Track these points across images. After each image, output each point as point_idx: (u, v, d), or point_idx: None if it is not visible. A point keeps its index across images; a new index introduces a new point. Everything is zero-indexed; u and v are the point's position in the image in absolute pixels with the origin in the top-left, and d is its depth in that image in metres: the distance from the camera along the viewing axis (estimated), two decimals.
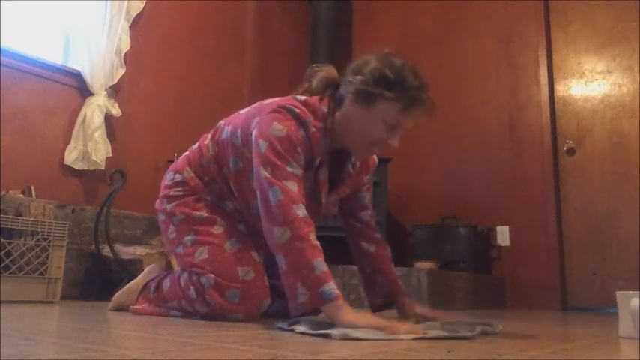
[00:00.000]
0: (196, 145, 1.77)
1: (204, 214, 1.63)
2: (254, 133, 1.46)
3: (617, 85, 3.62)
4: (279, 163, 1.38)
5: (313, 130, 1.45)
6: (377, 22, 4.60)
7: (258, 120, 1.47)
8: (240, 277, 1.50)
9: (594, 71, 3.71)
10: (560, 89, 3.81)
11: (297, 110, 1.44)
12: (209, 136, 1.73)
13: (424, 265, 3.11)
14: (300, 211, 1.32)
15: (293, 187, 1.36)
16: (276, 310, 1.72)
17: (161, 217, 1.73)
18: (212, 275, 1.51)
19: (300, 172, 1.40)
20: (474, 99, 4.03)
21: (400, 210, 4.12)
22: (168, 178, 1.75)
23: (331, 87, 1.53)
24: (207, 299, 1.51)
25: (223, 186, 1.66)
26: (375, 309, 1.72)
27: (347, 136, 1.49)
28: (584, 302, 3.48)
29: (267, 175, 1.37)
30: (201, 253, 1.56)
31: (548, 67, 3.81)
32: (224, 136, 1.63)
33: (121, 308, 1.81)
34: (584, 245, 3.54)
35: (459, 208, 3.89)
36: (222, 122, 1.71)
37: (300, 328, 1.20)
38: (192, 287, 1.55)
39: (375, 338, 1.08)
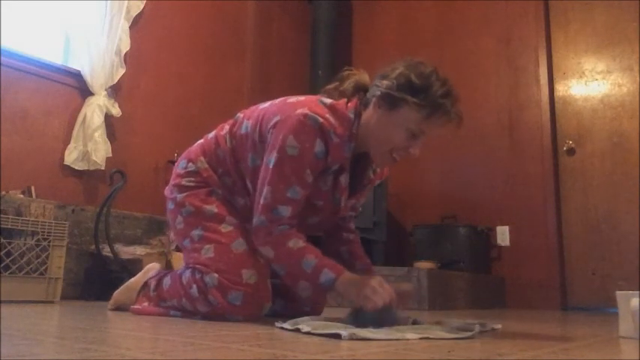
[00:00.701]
0: (212, 134, 1.73)
1: (214, 209, 1.61)
2: (273, 133, 1.46)
3: (617, 85, 3.62)
4: (281, 186, 1.43)
5: (336, 140, 1.45)
6: (377, 22, 4.60)
7: (278, 121, 1.46)
8: (244, 280, 1.50)
9: (594, 71, 3.71)
10: (560, 89, 3.81)
11: (321, 120, 1.42)
12: (227, 127, 1.69)
13: (424, 265, 3.11)
14: (276, 230, 1.44)
15: (285, 212, 1.44)
16: (276, 310, 1.72)
17: (170, 206, 1.71)
18: (216, 275, 1.51)
19: (301, 194, 1.45)
20: (474, 99, 4.03)
21: (400, 210, 4.12)
22: (181, 165, 1.72)
23: (360, 91, 1.52)
24: (210, 299, 1.51)
25: (238, 180, 1.64)
26: None
27: (369, 142, 1.48)
28: (584, 302, 3.48)
29: (263, 200, 1.45)
30: (208, 251, 1.56)
31: (548, 67, 3.81)
32: (243, 130, 1.61)
33: (120, 307, 1.80)
34: (584, 245, 3.54)
35: (459, 208, 3.89)
36: (241, 114, 1.68)
37: (305, 328, 1.20)
38: (194, 285, 1.54)
39: (383, 338, 1.09)
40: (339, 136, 1.45)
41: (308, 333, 1.17)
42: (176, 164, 1.77)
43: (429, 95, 1.37)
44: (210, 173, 1.66)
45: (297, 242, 1.43)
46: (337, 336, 1.09)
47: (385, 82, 1.42)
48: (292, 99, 1.54)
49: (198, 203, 1.63)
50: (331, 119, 1.45)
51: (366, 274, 1.66)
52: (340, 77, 1.57)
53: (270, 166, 1.44)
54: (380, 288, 1.31)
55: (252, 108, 1.66)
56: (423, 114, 1.39)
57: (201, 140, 1.76)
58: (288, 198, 1.43)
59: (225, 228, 1.58)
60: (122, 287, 1.84)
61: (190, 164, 1.70)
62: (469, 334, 1.18)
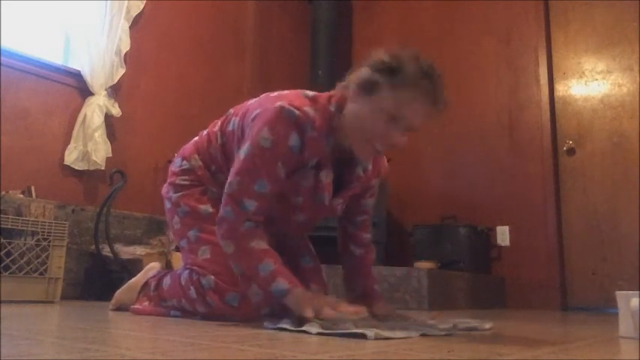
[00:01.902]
0: (205, 132, 1.72)
1: (209, 208, 1.60)
2: (251, 125, 1.44)
3: (617, 85, 3.62)
4: (248, 180, 1.38)
5: (314, 134, 1.39)
6: (377, 22, 4.60)
7: (257, 114, 1.44)
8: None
9: (594, 71, 3.71)
10: (560, 89, 3.81)
11: (297, 113, 1.37)
12: (219, 123, 1.68)
13: (424, 265, 3.11)
14: (242, 226, 1.38)
15: (250, 206, 1.38)
16: (276, 310, 1.72)
17: (167, 205, 1.71)
18: (212, 277, 1.51)
19: (268, 188, 1.39)
20: (474, 99, 4.02)
21: (400, 210, 4.12)
22: (176, 164, 1.72)
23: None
24: (208, 300, 1.51)
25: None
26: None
27: (349, 133, 1.40)
28: (584, 302, 3.48)
29: (230, 191, 1.40)
30: (204, 252, 1.56)
31: (548, 67, 3.80)
32: (230, 127, 1.60)
33: (122, 307, 1.80)
34: (584, 245, 3.53)
35: (459, 208, 3.89)
36: (232, 110, 1.66)
37: (313, 329, 1.18)
38: (192, 287, 1.54)
39: (399, 337, 1.13)
40: (316, 129, 1.39)
41: (319, 334, 1.15)
42: (172, 162, 1.77)
43: (405, 75, 1.30)
44: (204, 171, 1.66)
45: (260, 243, 1.38)
46: (361, 335, 1.09)
47: (362, 69, 1.37)
48: (275, 93, 1.50)
49: (193, 203, 1.63)
50: (310, 112, 1.39)
51: (364, 297, 1.66)
52: (345, 79, 1.51)
53: (242, 157, 1.40)
54: (324, 308, 1.27)
55: (241, 105, 1.64)
56: (400, 96, 1.30)
57: (196, 138, 1.75)
58: (255, 191, 1.38)
59: None
60: (123, 287, 1.84)
61: (185, 162, 1.69)
62: (445, 333, 1.23)
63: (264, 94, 1.57)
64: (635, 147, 3.46)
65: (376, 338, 1.09)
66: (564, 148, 3.70)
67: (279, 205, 1.51)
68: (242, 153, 1.41)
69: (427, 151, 4.13)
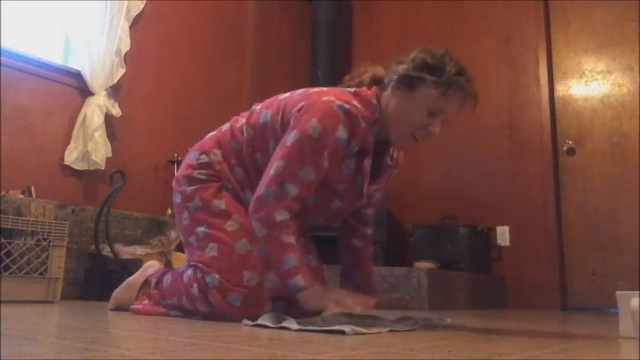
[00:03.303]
0: (227, 126, 1.70)
1: (222, 205, 1.59)
2: (296, 117, 1.48)
3: (617, 85, 3.62)
4: (295, 164, 1.42)
5: (364, 125, 1.48)
6: (377, 22, 4.60)
7: (304, 105, 1.48)
8: (245, 282, 1.49)
9: (594, 71, 3.71)
10: (560, 89, 3.81)
11: (348, 107, 1.45)
12: (242, 119, 1.68)
13: (424, 265, 3.11)
14: (280, 216, 1.42)
15: (291, 192, 1.42)
16: (276, 311, 1.72)
17: (177, 200, 1.67)
18: (217, 276, 1.50)
19: (313, 177, 1.44)
20: None
21: (400, 210, 4.12)
22: (193, 157, 1.69)
23: (377, 82, 1.58)
24: (210, 299, 1.51)
25: (251, 173, 1.62)
26: None
27: (390, 125, 1.51)
28: (584, 302, 3.48)
29: (274, 173, 1.43)
30: (212, 250, 1.55)
31: (548, 67, 3.81)
32: (262, 120, 1.60)
33: (121, 307, 1.80)
34: (584, 245, 3.53)
35: (459, 208, 3.89)
36: (257, 106, 1.67)
37: (293, 325, 1.24)
38: (195, 285, 1.54)
39: (372, 332, 1.17)
40: (366, 120, 1.48)
41: (300, 330, 1.19)
42: (187, 155, 1.73)
43: (444, 73, 1.45)
44: (222, 166, 1.64)
45: (290, 237, 1.43)
46: (340, 332, 1.13)
47: (402, 66, 1.50)
48: (315, 89, 1.56)
49: (208, 197, 1.60)
50: (358, 105, 1.48)
51: (363, 287, 1.74)
52: (357, 72, 1.63)
53: (288, 143, 1.44)
54: (337, 302, 1.40)
55: (271, 99, 1.66)
56: (440, 91, 1.45)
57: (214, 132, 1.73)
58: (299, 177, 1.42)
59: (230, 226, 1.56)
60: (121, 286, 1.83)
61: (203, 156, 1.66)
62: (408, 328, 1.28)
63: (302, 89, 1.60)
64: (635, 147, 3.46)
65: (354, 334, 1.15)
66: (564, 148, 3.70)
67: (320, 192, 1.54)
68: (289, 140, 1.45)
69: (427, 151, 4.13)
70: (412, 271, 2.86)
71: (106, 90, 3.08)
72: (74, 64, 3.09)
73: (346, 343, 1.01)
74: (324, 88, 1.55)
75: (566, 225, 3.61)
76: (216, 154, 1.65)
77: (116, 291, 1.84)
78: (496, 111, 3.94)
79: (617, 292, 1.39)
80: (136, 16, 3.34)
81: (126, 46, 3.23)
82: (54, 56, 3.10)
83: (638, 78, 3.54)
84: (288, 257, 1.40)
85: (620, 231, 3.42)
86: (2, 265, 2.11)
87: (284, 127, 1.53)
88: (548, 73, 3.80)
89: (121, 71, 3.19)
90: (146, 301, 1.71)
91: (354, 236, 1.78)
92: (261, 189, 1.45)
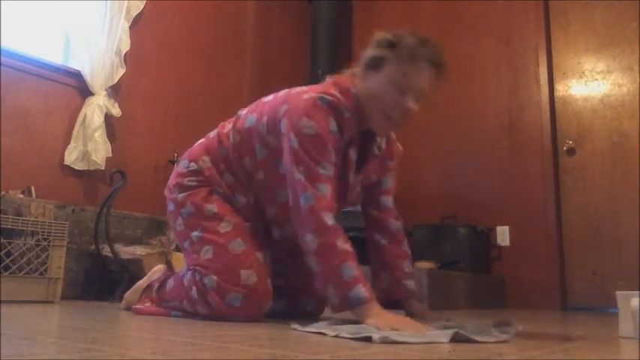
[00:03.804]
0: (214, 133, 1.72)
1: (214, 208, 1.60)
2: (284, 122, 1.47)
3: (617, 85, 3.62)
4: (312, 164, 1.40)
5: (347, 115, 1.47)
6: (377, 22, 4.60)
7: (288, 108, 1.47)
8: (242, 282, 1.49)
9: (594, 71, 3.71)
10: (560, 89, 3.81)
11: (330, 98, 1.45)
12: (229, 125, 1.69)
13: (424, 265, 3.11)
14: (329, 219, 1.36)
15: (325, 191, 1.39)
16: (277, 310, 1.72)
17: (170, 208, 1.70)
18: (214, 277, 1.50)
19: (331, 171, 1.42)
20: (474, 99, 4.03)
21: (400, 210, 4.10)
22: (183, 165, 1.71)
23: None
24: (209, 301, 1.51)
25: (241, 177, 1.63)
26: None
27: (366, 110, 1.49)
28: (584, 302, 3.48)
29: (301, 178, 1.39)
30: (207, 252, 1.55)
31: (548, 67, 3.80)
32: (247, 124, 1.61)
33: (130, 307, 1.81)
34: (584, 245, 3.53)
35: (459, 208, 3.89)
36: (242, 111, 1.68)
37: (331, 332, 1.15)
38: (194, 288, 1.54)
39: (415, 342, 1.04)
40: (348, 109, 1.48)
41: (337, 336, 1.12)
42: (177, 164, 1.76)
43: (405, 46, 1.43)
44: (212, 172, 1.65)
45: (345, 244, 1.34)
46: (368, 339, 1.05)
47: (367, 50, 1.50)
48: (296, 89, 1.55)
49: (200, 202, 1.62)
50: (338, 95, 1.48)
51: (392, 292, 1.64)
52: (342, 71, 1.62)
53: (295, 147, 1.42)
54: (391, 327, 1.18)
55: (255, 103, 1.67)
56: (405, 66, 1.43)
57: (203, 140, 1.75)
58: (322, 174, 1.40)
59: (223, 228, 1.57)
60: (132, 289, 1.86)
61: (192, 164, 1.69)
62: (505, 336, 1.13)
63: (283, 91, 1.59)
64: (635, 147, 3.46)
65: (383, 342, 1.04)
66: (564, 148, 3.70)
67: None
68: (291, 144, 1.43)
69: (427, 151, 4.13)
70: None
71: (106, 90, 3.08)
72: (74, 64, 3.09)
73: (346, 344, 1.01)
74: (305, 87, 1.55)
75: (566, 225, 3.61)
76: (205, 161, 1.67)
77: (127, 293, 1.87)
78: (496, 111, 3.94)
79: (617, 292, 1.39)
80: (136, 16, 3.34)
81: (126, 46, 3.23)
82: (54, 56, 3.10)
83: (638, 78, 3.54)
84: (346, 265, 1.31)
85: (620, 231, 3.42)
86: (2, 265, 2.11)
87: (269, 130, 1.53)
88: (548, 73, 3.80)
89: (121, 71, 3.19)
90: (148, 303, 1.72)
91: (376, 231, 1.71)
92: (298, 199, 1.39)
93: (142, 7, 3.36)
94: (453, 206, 3.91)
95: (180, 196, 1.66)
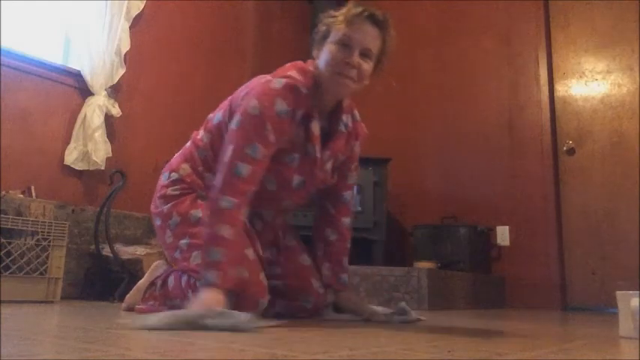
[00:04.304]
0: (189, 142, 1.78)
1: (199, 213, 1.62)
2: (239, 107, 1.56)
3: (617, 85, 3.62)
4: (241, 143, 1.48)
5: (304, 91, 1.55)
6: None
7: (245, 93, 1.57)
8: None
9: (594, 71, 3.71)
10: (560, 89, 3.81)
11: (284, 80, 1.54)
12: (201, 130, 1.77)
13: (424, 265, 3.11)
14: (225, 203, 1.43)
15: (244, 170, 1.46)
16: (278, 311, 1.73)
17: (157, 222, 1.72)
18: None
19: (260, 153, 1.49)
20: (474, 99, 4.03)
21: (400, 210, 4.12)
22: (164, 178, 1.75)
23: None
24: None
25: None
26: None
27: (323, 79, 1.58)
28: (584, 302, 3.48)
29: (226, 156, 1.49)
30: (196, 258, 1.55)
31: (548, 67, 3.80)
32: (216, 121, 1.68)
33: (132, 309, 1.81)
34: (584, 245, 3.53)
35: (459, 208, 3.89)
36: (211, 114, 1.76)
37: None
38: (190, 290, 1.55)
39: (219, 324, 1.17)
40: (305, 86, 1.56)
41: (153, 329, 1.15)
42: (160, 178, 1.78)
43: (343, 12, 1.57)
44: (193, 177, 1.69)
45: (225, 229, 1.41)
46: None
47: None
48: (259, 76, 1.65)
49: (185, 210, 1.64)
50: (295, 75, 1.58)
51: (331, 283, 1.76)
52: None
53: (233, 127, 1.52)
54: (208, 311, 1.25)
55: (221, 103, 1.75)
56: (342, 24, 1.55)
57: (180, 151, 1.80)
58: (248, 155, 1.47)
59: None
60: (132, 290, 1.86)
61: (173, 174, 1.72)
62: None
63: (246, 83, 1.68)
64: (635, 147, 3.46)
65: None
66: (564, 148, 3.70)
67: (277, 171, 1.58)
68: (233, 124, 1.53)
69: (427, 151, 4.13)
70: (412, 271, 2.86)
71: (106, 90, 3.08)
72: (74, 64, 3.09)
73: (346, 343, 1.01)
74: (268, 75, 1.63)
75: (566, 225, 3.61)
76: (185, 169, 1.71)
77: (127, 295, 1.87)
78: (496, 111, 3.94)
79: (617, 292, 1.39)
80: (136, 16, 3.33)
81: (126, 46, 3.23)
82: (54, 56, 3.10)
83: (638, 78, 3.54)
84: (215, 250, 1.40)
85: (620, 231, 3.42)
86: (2, 265, 2.11)
87: (232, 118, 1.59)
88: (548, 73, 3.80)
89: (121, 71, 3.19)
90: (151, 302, 1.72)
91: (328, 226, 1.79)
92: (217, 177, 1.49)
93: (142, 7, 3.36)
94: (453, 206, 3.91)
95: (166, 207, 1.68)
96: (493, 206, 3.81)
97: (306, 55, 1.73)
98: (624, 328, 1.35)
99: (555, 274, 3.52)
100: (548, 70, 3.80)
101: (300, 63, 1.64)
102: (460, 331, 1.41)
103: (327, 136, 1.67)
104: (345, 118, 1.71)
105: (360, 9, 1.56)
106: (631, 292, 1.35)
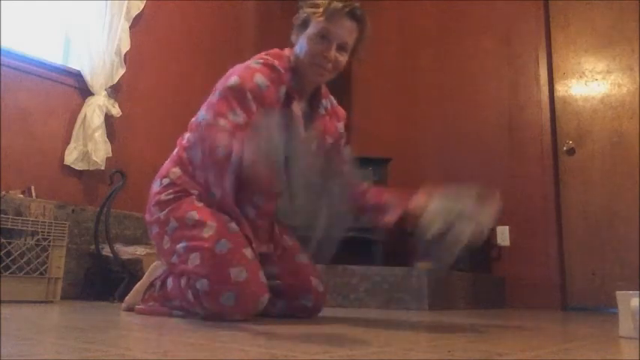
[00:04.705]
0: (176, 148, 1.81)
1: (195, 215, 1.61)
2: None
3: (617, 85, 3.62)
4: (223, 108, 1.55)
5: (282, 71, 1.65)
6: (377, 22, 4.58)
7: (226, 75, 1.65)
8: (233, 280, 1.48)
9: (594, 71, 3.71)
10: (560, 89, 3.81)
11: (262, 60, 1.66)
12: (185, 134, 1.81)
13: (424, 265, 3.10)
14: (219, 124, 1.51)
15: (224, 124, 1.52)
16: (279, 311, 1.73)
17: (154, 230, 1.71)
18: (205, 280, 1.50)
19: (242, 118, 1.54)
20: (474, 99, 4.02)
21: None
22: (156, 185, 1.75)
23: None
24: (204, 304, 1.51)
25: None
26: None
27: (300, 65, 1.67)
28: (584, 302, 3.48)
29: (206, 120, 1.56)
30: (194, 260, 1.55)
31: (548, 67, 3.80)
32: (200, 119, 1.70)
33: (131, 309, 1.81)
34: (584, 245, 3.53)
35: None
36: (193, 119, 1.80)
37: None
38: (189, 291, 1.55)
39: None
40: (282, 67, 1.66)
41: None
42: (152, 187, 1.78)
43: (324, 3, 1.62)
44: (183, 178, 1.70)
45: (227, 138, 1.44)
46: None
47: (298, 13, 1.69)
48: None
49: (181, 214, 1.63)
50: (271, 59, 1.68)
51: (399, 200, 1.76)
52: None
53: (213, 100, 1.60)
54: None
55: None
56: (323, 17, 1.61)
57: (168, 159, 1.81)
58: (230, 118, 1.53)
59: (207, 232, 1.57)
60: (132, 291, 1.86)
61: (165, 179, 1.73)
62: None
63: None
64: (635, 147, 3.46)
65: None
66: (564, 148, 3.70)
67: None
68: (214, 97, 1.61)
69: (427, 150, 4.13)
70: (412, 271, 2.86)
71: (106, 90, 3.08)
72: (74, 64, 3.09)
73: (346, 343, 1.01)
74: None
75: (566, 225, 3.61)
76: (175, 172, 1.73)
77: (127, 296, 1.87)
78: (496, 111, 3.94)
79: (617, 292, 1.39)
80: (136, 16, 3.34)
81: (126, 46, 3.23)
82: (54, 56, 3.10)
83: (638, 78, 3.54)
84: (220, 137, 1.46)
85: (620, 231, 3.42)
86: (2, 265, 2.11)
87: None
88: (548, 73, 3.80)
89: (121, 71, 3.19)
90: (151, 303, 1.72)
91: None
92: (196, 139, 1.58)
93: (142, 7, 3.36)
94: None
95: (162, 214, 1.67)
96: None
97: None
98: (624, 328, 1.35)
99: (555, 274, 3.52)
100: (548, 70, 3.80)
101: (275, 49, 1.74)
102: (460, 331, 1.41)
103: (309, 119, 1.75)
104: (325, 102, 1.81)
105: (340, 4, 1.62)
106: (631, 292, 1.35)
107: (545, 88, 3.78)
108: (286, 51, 1.74)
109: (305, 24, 1.68)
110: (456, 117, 4.06)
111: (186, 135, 1.79)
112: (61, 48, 3.18)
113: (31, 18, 3.06)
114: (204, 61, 3.79)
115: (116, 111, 3.12)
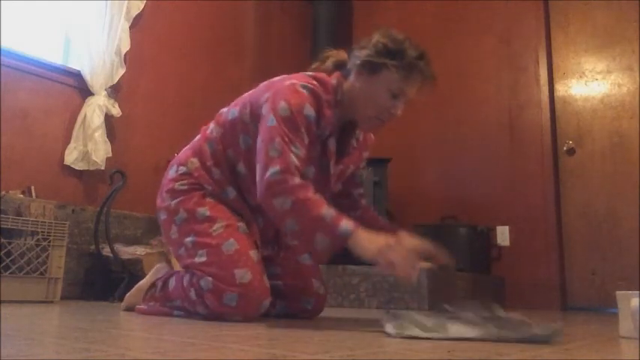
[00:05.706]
0: (198, 136, 1.77)
1: (207, 212, 1.61)
2: (266, 106, 1.52)
3: (617, 85, 3.62)
4: (284, 140, 1.44)
5: (327, 106, 1.55)
6: (377, 22, 4.60)
7: (270, 94, 1.53)
8: (238, 281, 1.49)
9: (594, 71, 3.71)
10: (560, 89, 3.81)
11: (311, 86, 1.53)
12: (211, 124, 1.75)
13: (424, 265, 3.10)
14: (297, 179, 1.40)
15: (295, 158, 1.43)
16: (279, 312, 1.73)
17: (162, 216, 1.70)
18: (210, 279, 1.50)
19: (302, 151, 1.46)
20: (474, 99, 4.02)
21: (400, 210, 4.12)
22: (172, 171, 1.73)
23: (340, 67, 1.64)
24: (206, 302, 1.51)
25: (225, 170, 1.66)
26: None
27: (354, 108, 1.58)
28: (584, 302, 3.48)
29: (274, 148, 1.43)
30: (201, 256, 1.55)
31: (548, 67, 3.81)
32: (230, 117, 1.66)
33: (131, 308, 1.81)
34: (584, 245, 3.53)
35: (459, 208, 3.89)
36: (224, 109, 1.74)
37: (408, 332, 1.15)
38: (192, 289, 1.55)
39: (429, 337, 1.11)
40: (328, 102, 1.56)
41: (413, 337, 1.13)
42: (167, 171, 1.78)
43: (405, 57, 1.51)
44: (200, 172, 1.68)
45: (316, 194, 1.39)
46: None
47: (364, 51, 1.55)
48: (277, 78, 1.62)
49: (192, 207, 1.63)
50: (318, 86, 1.55)
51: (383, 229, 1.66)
52: (321, 58, 1.70)
53: (269, 125, 1.47)
54: (403, 256, 1.32)
55: (237, 99, 1.72)
56: (402, 75, 1.51)
57: (188, 145, 1.78)
58: (293, 151, 1.44)
59: (216, 230, 1.57)
60: (133, 289, 1.86)
61: (182, 167, 1.71)
62: (547, 332, 1.10)
63: (264, 82, 1.65)
64: (635, 147, 3.46)
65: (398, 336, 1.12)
66: (564, 148, 3.70)
67: None
68: (268, 122, 1.48)
69: (427, 150, 4.13)
70: None
71: (106, 90, 3.08)
72: (74, 64, 3.09)
73: (346, 343, 1.01)
74: (286, 75, 1.61)
75: (566, 225, 3.61)
76: (193, 162, 1.70)
77: (127, 295, 1.86)
78: (496, 111, 3.94)
79: (617, 292, 1.39)
80: (136, 16, 3.33)
81: (126, 46, 3.23)
82: (54, 56, 3.10)
83: (638, 78, 3.54)
84: (325, 210, 1.36)
85: (620, 231, 3.42)
86: (2, 265, 2.11)
87: (253, 118, 1.58)
88: (548, 73, 3.80)
89: (121, 71, 3.19)
90: (152, 303, 1.72)
91: (349, 211, 1.74)
92: (267, 172, 1.41)
93: (142, 7, 3.36)
94: (453, 206, 3.91)
95: (174, 202, 1.67)
96: (493, 206, 3.81)
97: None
98: (624, 328, 1.35)
99: (555, 274, 3.52)
100: (548, 70, 3.80)
101: (320, 76, 1.60)
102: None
103: (340, 151, 1.67)
104: (357, 132, 1.72)
105: (421, 64, 1.52)
106: (631, 292, 1.35)
107: (545, 88, 3.78)
108: (333, 79, 1.61)
109: (374, 70, 1.53)
110: (456, 117, 4.06)
111: (211, 125, 1.75)
112: (61, 48, 3.18)
113: (31, 18, 3.06)
114: (204, 61, 3.79)
115: (116, 111, 3.12)
